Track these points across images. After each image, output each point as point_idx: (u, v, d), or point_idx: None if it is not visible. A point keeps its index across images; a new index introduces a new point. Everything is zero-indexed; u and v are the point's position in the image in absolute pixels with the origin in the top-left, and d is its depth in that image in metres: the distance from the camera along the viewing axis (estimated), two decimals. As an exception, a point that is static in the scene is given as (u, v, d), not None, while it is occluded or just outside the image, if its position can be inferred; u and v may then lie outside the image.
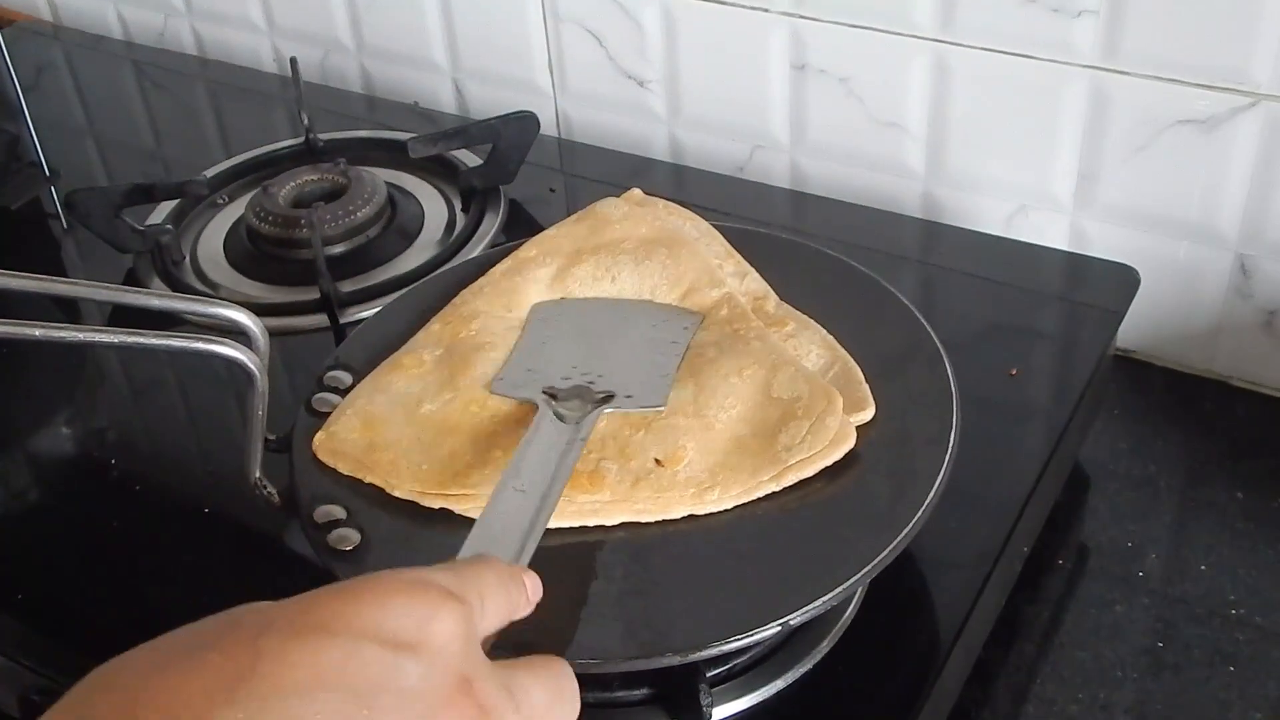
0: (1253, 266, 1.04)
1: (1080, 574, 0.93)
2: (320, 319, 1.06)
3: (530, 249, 0.97)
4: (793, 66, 1.19)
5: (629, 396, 0.81)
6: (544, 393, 0.81)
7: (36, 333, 0.70)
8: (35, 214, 1.33)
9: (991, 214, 1.15)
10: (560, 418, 0.78)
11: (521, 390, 0.82)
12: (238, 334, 0.80)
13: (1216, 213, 1.03)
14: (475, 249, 1.14)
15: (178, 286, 1.13)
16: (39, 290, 0.77)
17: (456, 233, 1.18)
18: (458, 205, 1.23)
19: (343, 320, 1.06)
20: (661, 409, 0.81)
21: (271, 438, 0.82)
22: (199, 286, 1.13)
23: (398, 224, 1.20)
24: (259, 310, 0.84)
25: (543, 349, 0.88)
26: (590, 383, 0.83)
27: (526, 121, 1.22)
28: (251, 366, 0.76)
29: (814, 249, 0.97)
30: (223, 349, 0.75)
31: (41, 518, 0.97)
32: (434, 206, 1.23)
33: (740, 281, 0.93)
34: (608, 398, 0.81)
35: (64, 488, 1.00)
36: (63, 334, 0.73)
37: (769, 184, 1.25)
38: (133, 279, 1.15)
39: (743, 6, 1.18)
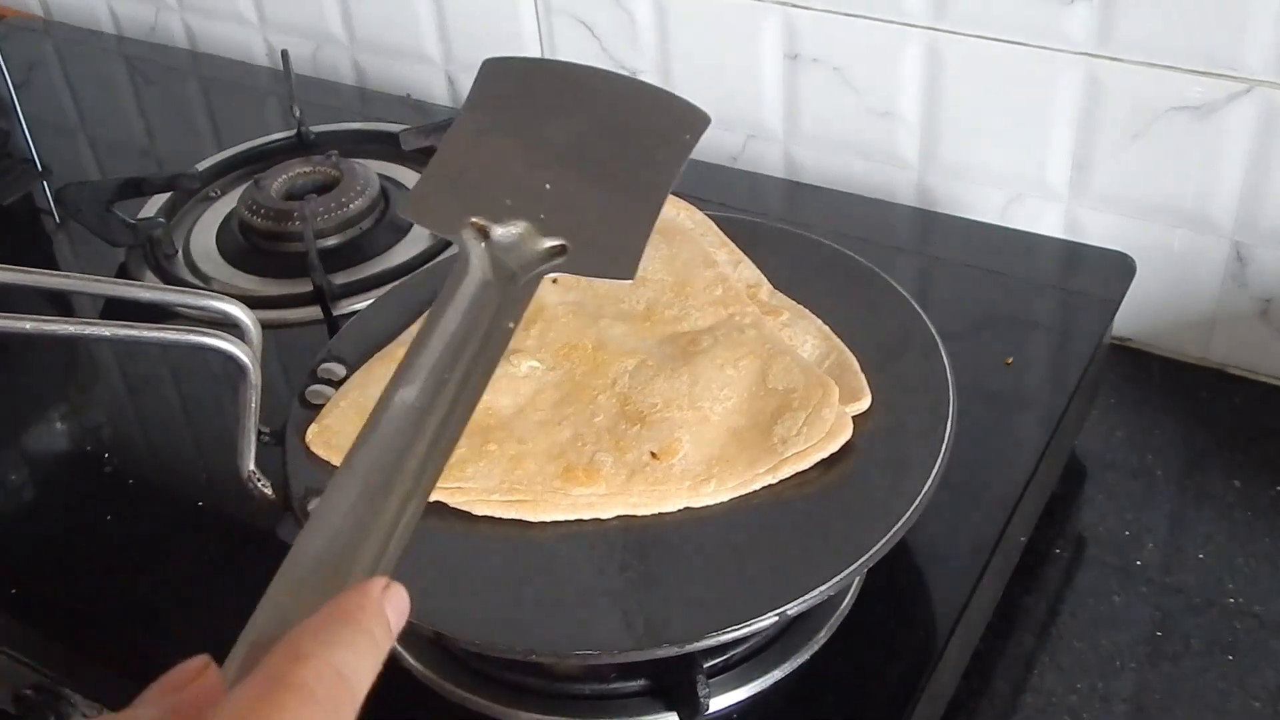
0: (1248, 254, 1.04)
1: (1078, 564, 0.92)
2: (313, 311, 1.06)
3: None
4: (786, 56, 1.18)
5: (591, 254, 0.57)
6: (473, 224, 0.56)
7: (27, 326, 0.70)
8: (27, 210, 1.32)
9: (986, 203, 1.15)
10: (493, 268, 0.55)
11: (441, 216, 0.58)
12: (230, 326, 0.80)
13: (1211, 200, 1.03)
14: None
15: (170, 280, 1.12)
16: (30, 284, 0.77)
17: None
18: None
19: (336, 313, 1.05)
20: (628, 281, 0.61)
21: (265, 431, 0.82)
22: (192, 280, 1.13)
23: (390, 216, 1.19)
24: (251, 303, 0.83)
25: (481, 145, 0.61)
26: (539, 218, 0.57)
27: (519, 113, 1.21)
28: (244, 359, 0.75)
29: (809, 238, 0.97)
30: (215, 341, 0.75)
31: (36, 513, 0.97)
32: (427, 199, 1.22)
33: (734, 270, 0.93)
34: (560, 249, 0.56)
35: (58, 483, 0.99)
36: (54, 327, 0.73)
37: (763, 174, 1.24)
38: (125, 273, 1.14)
39: (735, -4, 1.18)
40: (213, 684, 0.42)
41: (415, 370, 0.50)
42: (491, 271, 0.54)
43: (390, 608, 0.43)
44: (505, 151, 0.60)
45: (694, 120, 0.63)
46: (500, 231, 0.56)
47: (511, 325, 0.53)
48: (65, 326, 0.74)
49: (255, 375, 0.77)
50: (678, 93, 0.67)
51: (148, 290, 0.88)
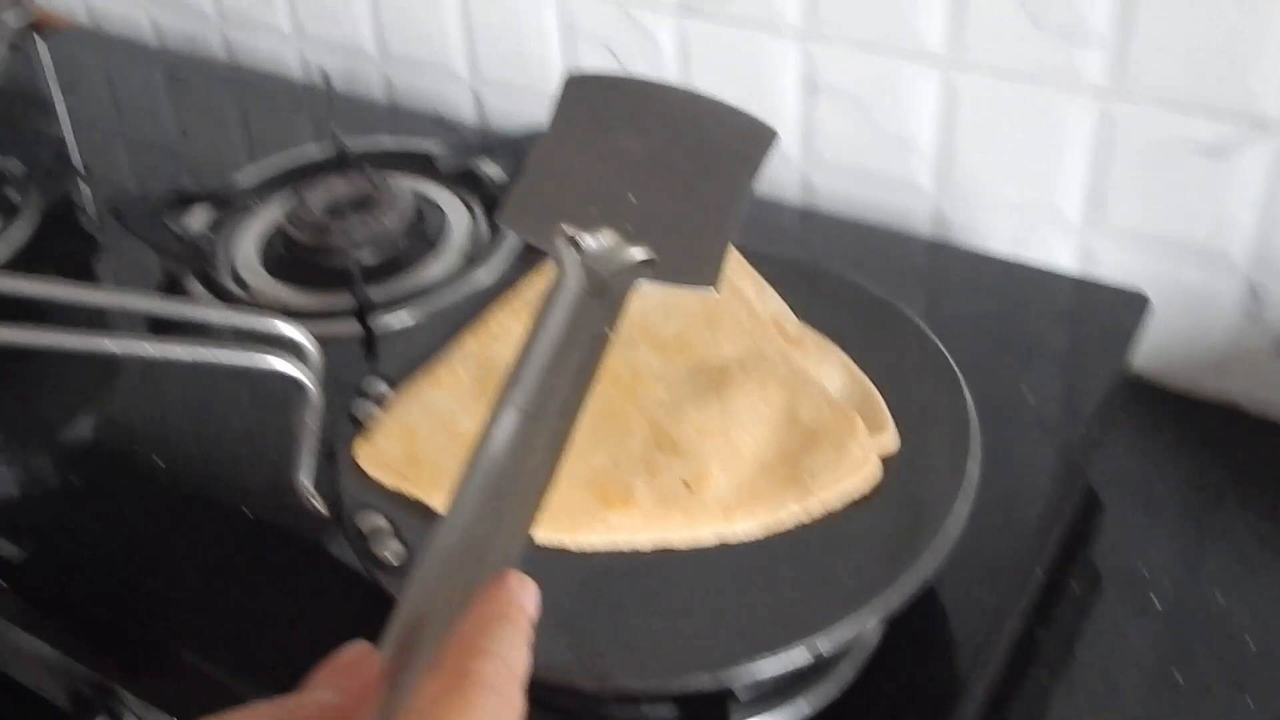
0: (1264, 292, 1.05)
1: (1093, 598, 0.93)
2: (350, 324, 1.08)
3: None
4: (805, 87, 1.20)
5: (676, 264, 0.59)
6: (564, 233, 0.59)
7: (111, 346, 0.72)
8: (69, 213, 1.35)
9: (1000, 237, 1.16)
10: (587, 277, 0.57)
11: (536, 225, 0.60)
12: (287, 345, 0.82)
13: (1227, 239, 1.04)
14: (501, 259, 1.16)
15: (214, 289, 1.15)
16: (99, 303, 0.80)
17: (482, 243, 1.20)
18: (481, 214, 1.25)
19: (374, 328, 1.08)
20: (713, 293, 0.61)
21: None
22: (235, 290, 1.15)
23: (425, 233, 1.22)
24: (292, 315, 0.85)
25: (566, 157, 0.63)
26: (626, 228, 0.59)
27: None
28: (307, 383, 0.78)
29: (829, 271, 0.97)
30: (280, 365, 0.77)
31: (92, 519, 0.98)
32: (458, 216, 1.25)
33: (760, 301, 0.94)
34: (648, 260, 0.59)
35: (114, 491, 1.00)
36: (137, 347, 0.75)
37: (780, 203, 1.26)
38: (172, 282, 1.16)
39: (756, 28, 1.20)
40: (375, 668, 0.46)
41: (524, 377, 0.53)
42: (586, 281, 0.57)
43: (529, 602, 0.48)
44: (589, 164, 0.62)
45: (762, 136, 0.64)
46: (590, 241, 0.58)
47: (609, 331, 0.55)
48: (144, 346, 0.77)
49: (317, 397, 0.79)
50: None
51: (215, 312, 0.91)
